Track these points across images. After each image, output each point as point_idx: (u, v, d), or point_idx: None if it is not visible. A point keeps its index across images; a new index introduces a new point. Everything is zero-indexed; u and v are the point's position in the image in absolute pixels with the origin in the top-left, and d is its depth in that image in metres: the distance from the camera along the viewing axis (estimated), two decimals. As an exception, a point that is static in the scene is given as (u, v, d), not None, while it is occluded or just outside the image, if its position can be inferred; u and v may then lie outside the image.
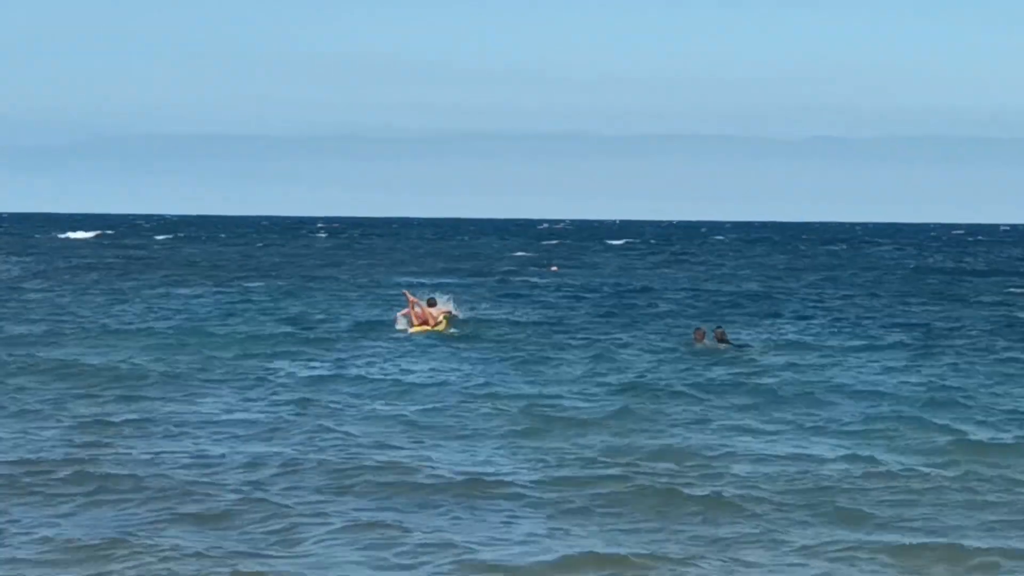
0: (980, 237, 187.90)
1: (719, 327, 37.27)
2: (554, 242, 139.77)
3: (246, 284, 59.90)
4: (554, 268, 79.25)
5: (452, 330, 40.04)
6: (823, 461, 20.52)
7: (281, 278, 64.90)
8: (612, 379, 29.71)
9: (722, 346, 35.54)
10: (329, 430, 22.60)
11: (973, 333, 40.62)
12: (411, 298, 41.15)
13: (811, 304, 51.97)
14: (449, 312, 40.99)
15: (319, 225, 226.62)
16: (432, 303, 40.86)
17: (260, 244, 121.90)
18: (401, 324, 40.43)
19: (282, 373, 30.06)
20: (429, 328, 39.73)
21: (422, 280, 62.72)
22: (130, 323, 41.25)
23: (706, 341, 36.01)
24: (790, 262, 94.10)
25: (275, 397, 26.58)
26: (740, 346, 36.12)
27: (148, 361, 31.51)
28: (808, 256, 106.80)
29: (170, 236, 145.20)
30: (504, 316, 45.38)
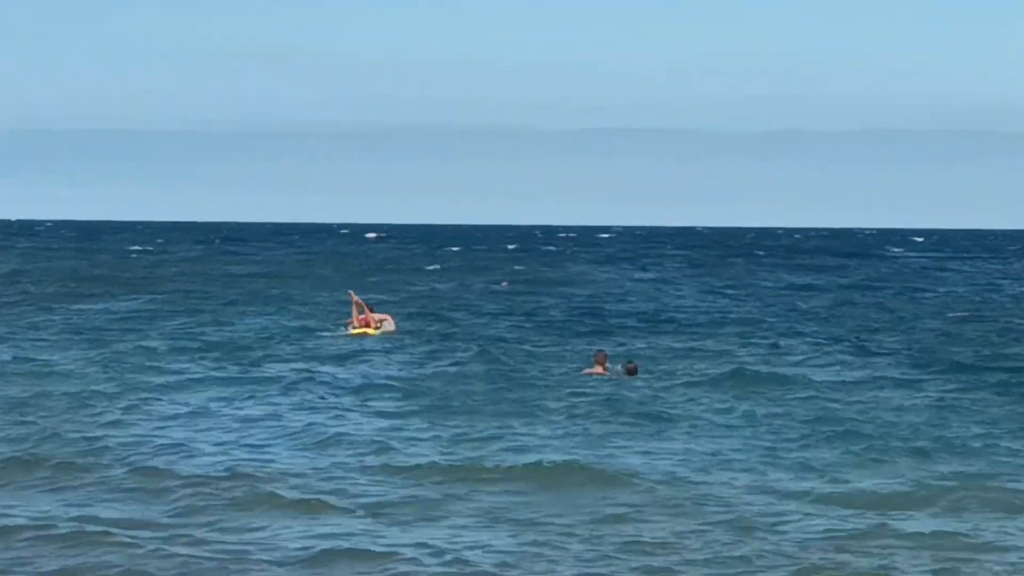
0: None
1: (631, 361, 34.36)
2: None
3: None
4: (504, 284, 76.58)
5: (389, 327, 42.17)
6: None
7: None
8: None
9: (627, 376, 32.73)
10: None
11: None
12: (356, 300, 42.76)
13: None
14: (386, 327, 42.38)
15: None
16: (372, 309, 42.74)
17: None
18: (348, 330, 41.94)
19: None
20: (370, 331, 41.41)
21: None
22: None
23: (607, 367, 33.51)
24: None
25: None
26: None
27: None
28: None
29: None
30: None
